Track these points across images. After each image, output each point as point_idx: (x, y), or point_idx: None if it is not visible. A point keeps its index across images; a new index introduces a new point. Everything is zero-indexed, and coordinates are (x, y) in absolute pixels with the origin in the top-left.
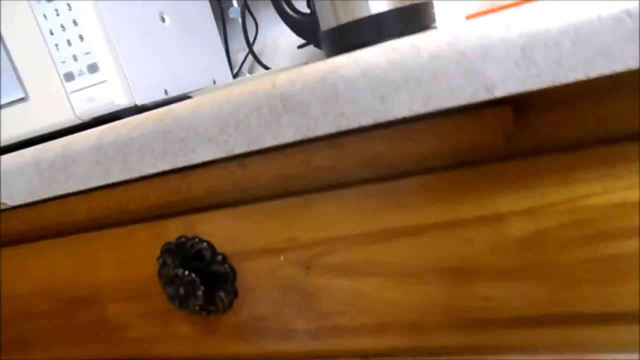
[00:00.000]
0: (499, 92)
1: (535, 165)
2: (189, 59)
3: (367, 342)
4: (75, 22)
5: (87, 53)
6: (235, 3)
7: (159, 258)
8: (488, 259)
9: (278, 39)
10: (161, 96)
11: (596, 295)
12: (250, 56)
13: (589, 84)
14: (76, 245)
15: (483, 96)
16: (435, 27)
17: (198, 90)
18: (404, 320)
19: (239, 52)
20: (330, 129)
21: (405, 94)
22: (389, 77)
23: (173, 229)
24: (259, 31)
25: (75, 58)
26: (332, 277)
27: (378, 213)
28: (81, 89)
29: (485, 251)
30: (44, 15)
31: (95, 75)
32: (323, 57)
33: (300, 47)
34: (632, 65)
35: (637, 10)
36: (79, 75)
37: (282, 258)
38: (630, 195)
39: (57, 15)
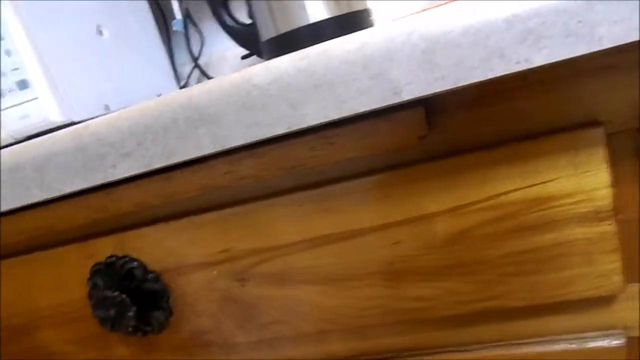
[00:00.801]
0: (406, 95)
1: (456, 165)
2: (131, 72)
3: (308, 351)
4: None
5: (16, 69)
6: (178, 15)
7: (89, 280)
8: (418, 260)
9: (225, 50)
10: (102, 111)
11: (523, 288)
12: (198, 68)
13: (500, 83)
14: (11, 269)
15: (392, 99)
16: None
17: None
18: (343, 325)
19: (186, 64)
20: (247, 138)
21: (318, 100)
22: (300, 84)
23: (105, 248)
24: (205, 43)
25: (3, 74)
26: (269, 286)
27: (309, 220)
28: (12, 106)
29: (414, 252)
30: None
31: (26, 91)
32: None
33: (244, 57)
34: (524, 65)
35: (526, 13)
36: (9, 92)
37: (215, 272)
38: (545, 190)
39: None
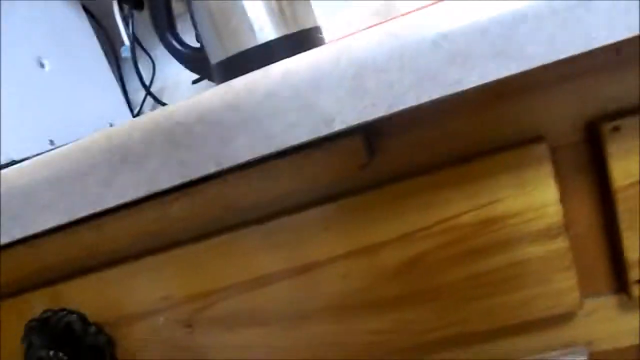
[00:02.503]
0: (338, 125)
1: (402, 191)
2: (79, 103)
3: None
4: None
5: None
6: (126, 41)
7: (23, 339)
8: (370, 292)
9: (178, 75)
10: (46, 147)
11: (480, 312)
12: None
13: (439, 103)
14: None
15: (324, 130)
16: None
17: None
18: None
19: (140, 91)
20: (174, 180)
21: (245, 136)
22: (226, 120)
23: (39, 303)
24: (157, 68)
25: None
26: (217, 332)
27: (252, 258)
28: None
29: (365, 284)
30: None
31: None
32: None
33: (194, 82)
34: (457, 87)
35: (453, 34)
36: None
37: (161, 319)
38: (494, 210)
39: None
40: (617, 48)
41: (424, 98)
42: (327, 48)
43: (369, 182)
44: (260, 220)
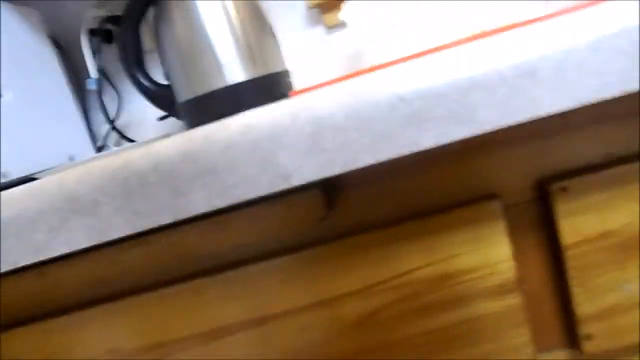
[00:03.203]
0: (296, 181)
1: (359, 244)
2: (40, 135)
3: None
4: None
5: None
6: (93, 74)
7: None
8: (327, 346)
9: (144, 110)
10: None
11: None
12: (114, 129)
13: (397, 160)
14: None
15: (281, 185)
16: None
17: (49, 169)
18: None
19: (104, 124)
20: (126, 229)
21: (202, 188)
22: (182, 171)
23: None
24: (123, 103)
25: None
26: None
27: (208, 309)
28: None
29: (323, 337)
30: None
31: None
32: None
33: (160, 119)
34: (413, 148)
35: (410, 96)
36: None
37: None
38: (449, 266)
39: None
40: (563, 114)
41: (380, 157)
42: (287, 104)
43: (327, 235)
44: (216, 271)
